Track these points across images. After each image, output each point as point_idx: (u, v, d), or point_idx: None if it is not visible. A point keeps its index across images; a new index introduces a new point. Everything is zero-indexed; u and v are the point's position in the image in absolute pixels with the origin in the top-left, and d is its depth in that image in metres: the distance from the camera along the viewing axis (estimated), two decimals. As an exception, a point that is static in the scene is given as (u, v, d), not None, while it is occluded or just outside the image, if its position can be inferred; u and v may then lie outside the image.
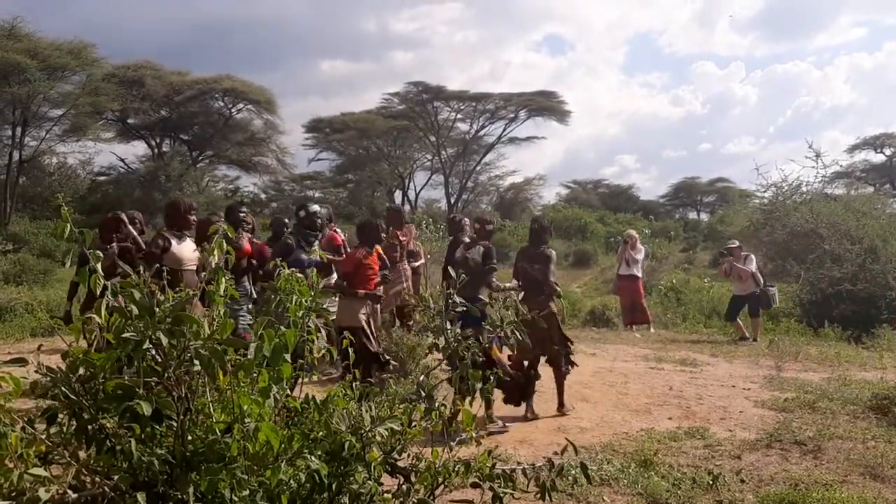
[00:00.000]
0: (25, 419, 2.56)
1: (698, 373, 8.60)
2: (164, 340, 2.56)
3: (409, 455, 3.08)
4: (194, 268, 5.98)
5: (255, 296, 6.62)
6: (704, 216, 49.44)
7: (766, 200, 17.46)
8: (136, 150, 37.90)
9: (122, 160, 36.66)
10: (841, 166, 22.37)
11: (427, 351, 5.18)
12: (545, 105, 42.56)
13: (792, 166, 19.35)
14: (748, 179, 74.54)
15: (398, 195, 44.75)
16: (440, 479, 3.02)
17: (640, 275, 12.57)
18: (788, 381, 7.93)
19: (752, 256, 11.81)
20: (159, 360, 2.61)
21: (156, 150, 37.02)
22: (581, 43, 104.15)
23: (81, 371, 2.60)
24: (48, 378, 2.57)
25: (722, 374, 8.50)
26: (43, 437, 2.55)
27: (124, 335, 2.54)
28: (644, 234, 20.50)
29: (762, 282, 11.51)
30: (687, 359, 9.46)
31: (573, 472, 3.75)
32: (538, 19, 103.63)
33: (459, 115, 43.37)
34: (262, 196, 42.05)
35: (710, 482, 4.60)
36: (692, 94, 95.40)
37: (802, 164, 16.83)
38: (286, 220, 8.58)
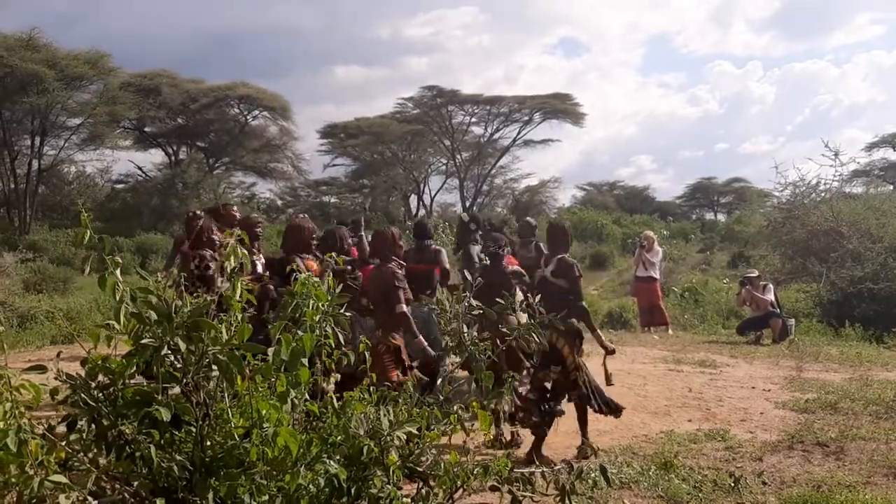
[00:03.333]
0: (45, 426, 2.58)
1: (718, 374, 8.52)
2: (183, 346, 2.56)
3: (427, 458, 3.08)
4: None
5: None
6: (721, 217, 49.03)
7: (784, 199, 17.34)
8: (153, 158, 38.23)
9: (139, 168, 37.06)
10: (859, 164, 22.16)
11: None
12: (560, 107, 42.39)
13: (809, 165, 19.20)
14: (765, 179, 73.98)
15: (413, 200, 44.86)
16: (459, 483, 3.01)
17: (657, 276, 12.49)
18: (809, 382, 7.85)
19: (770, 285, 11.71)
20: (178, 365, 2.62)
21: (173, 158, 37.30)
22: (596, 45, 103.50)
23: (101, 377, 2.62)
24: (68, 385, 2.59)
25: (742, 376, 8.43)
26: (63, 443, 2.56)
27: (143, 341, 2.55)
28: (661, 235, 20.37)
29: (780, 311, 11.43)
30: (706, 360, 9.38)
31: (593, 475, 3.73)
32: (552, 23, 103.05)
33: (474, 119, 43.28)
34: (279, 202, 42.25)
35: (732, 484, 4.56)
36: (709, 93, 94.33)
37: (820, 162, 16.66)
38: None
